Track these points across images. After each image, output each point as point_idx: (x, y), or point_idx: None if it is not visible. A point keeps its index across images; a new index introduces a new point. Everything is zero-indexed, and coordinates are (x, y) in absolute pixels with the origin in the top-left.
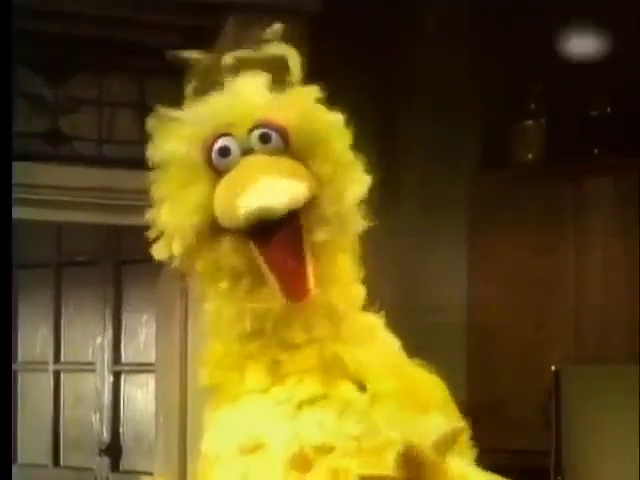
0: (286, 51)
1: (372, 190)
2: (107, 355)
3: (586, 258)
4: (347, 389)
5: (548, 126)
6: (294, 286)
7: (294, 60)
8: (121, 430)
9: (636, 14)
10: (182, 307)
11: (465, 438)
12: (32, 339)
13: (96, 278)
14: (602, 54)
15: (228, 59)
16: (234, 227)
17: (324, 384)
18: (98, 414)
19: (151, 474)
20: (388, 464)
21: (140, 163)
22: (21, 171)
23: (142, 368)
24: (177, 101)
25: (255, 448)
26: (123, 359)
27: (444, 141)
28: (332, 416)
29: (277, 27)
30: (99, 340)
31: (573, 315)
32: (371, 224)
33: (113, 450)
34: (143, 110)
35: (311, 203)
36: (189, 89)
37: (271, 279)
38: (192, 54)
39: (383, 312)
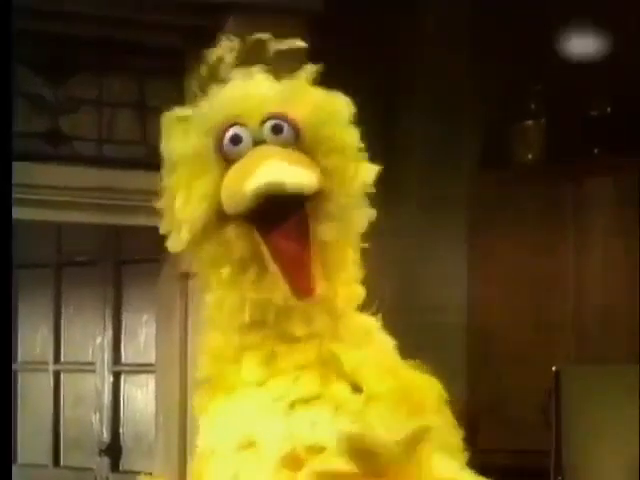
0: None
1: (372, 190)
2: (107, 355)
3: (586, 258)
4: (342, 389)
5: (548, 126)
6: (299, 277)
7: (303, 49)
8: (121, 430)
9: (636, 14)
10: (182, 307)
11: (458, 441)
12: (32, 339)
13: (96, 278)
14: (602, 54)
15: (234, 53)
16: (240, 211)
17: (320, 383)
18: (98, 414)
19: (151, 474)
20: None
21: (140, 163)
22: (21, 171)
23: (142, 368)
24: (177, 101)
25: (248, 445)
26: (123, 359)
27: (444, 141)
28: (326, 416)
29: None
30: (99, 340)
31: (573, 315)
32: (373, 220)
33: (113, 450)
34: (143, 110)
35: (318, 196)
36: (195, 84)
37: (273, 268)
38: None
39: (380, 314)
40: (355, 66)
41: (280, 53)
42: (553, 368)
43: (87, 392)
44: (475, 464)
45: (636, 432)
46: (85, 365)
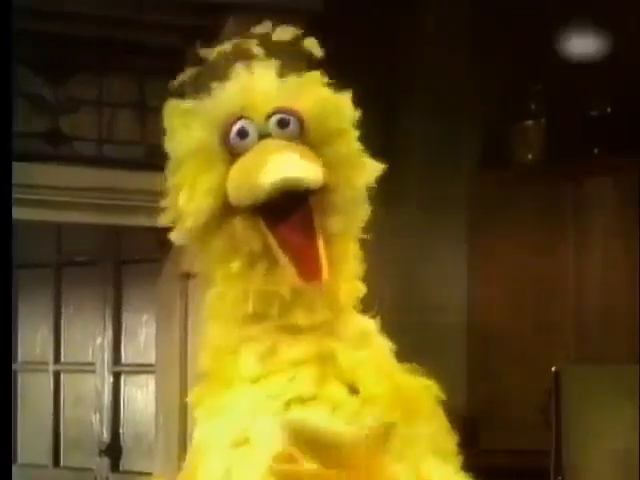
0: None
1: (372, 190)
2: (107, 355)
3: (586, 258)
4: (339, 390)
5: (548, 126)
6: (307, 263)
7: (311, 42)
8: (121, 430)
9: (636, 14)
10: (182, 307)
11: (452, 446)
12: (32, 339)
13: (96, 278)
14: (602, 54)
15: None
16: (249, 203)
17: (317, 382)
18: (98, 414)
19: (151, 474)
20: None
21: (140, 163)
22: (21, 171)
23: (142, 368)
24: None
25: (242, 442)
26: (123, 359)
27: (444, 141)
28: (321, 416)
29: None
30: (99, 340)
31: (573, 315)
32: (373, 220)
33: (113, 450)
34: (143, 110)
35: (322, 190)
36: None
37: (282, 258)
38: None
39: (379, 316)
40: (355, 66)
41: (283, 48)
42: (553, 368)
43: (87, 392)
44: (475, 464)
45: (636, 432)
46: (85, 365)
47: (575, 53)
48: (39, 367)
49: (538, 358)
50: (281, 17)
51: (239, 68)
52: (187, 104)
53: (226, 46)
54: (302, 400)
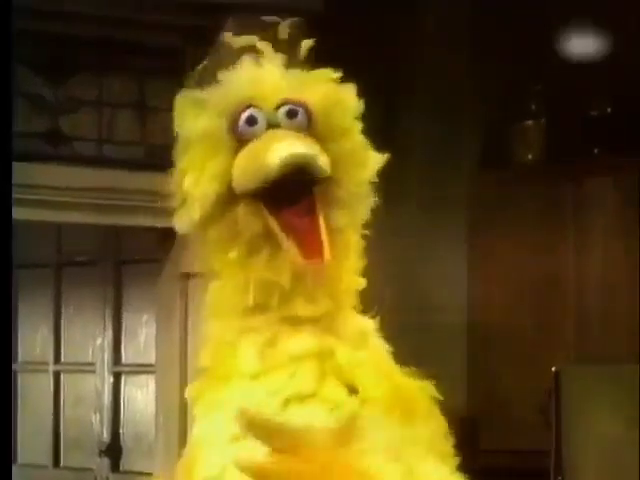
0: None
1: (372, 190)
2: (107, 356)
3: (586, 258)
4: (337, 390)
5: (548, 126)
6: (309, 242)
7: (306, 42)
8: (121, 431)
9: (636, 14)
10: (182, 307)
11: (449, 448)
12: (32, 339)
13: (96, 278)
14: (602, 54)
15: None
16: (256, 185)
17: (316, 380)
18: (98, 415)
19: (151, 474)
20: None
21: (140, 163)
22: (21, 171)
23: (142, 369)
24: None
25: (240, 438)
26: (123, 360)
27: (444, 141)
28: (319, 415)
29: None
30: (99, 340)
31: (573, 315)
32: (373, 220)
33: (113, 450)
34: (143, 110)
35: (327, 182)
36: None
37: (285, 241)
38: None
39: (378, 317)
40: (355, 66)
41: (287, 43)
42: (553, 368)
43: (87, 392)
44: (475, 464)
45: (636, 432)
46: (85, 365)
47: (575, 53)
48: (39, 367)
49: (538, 358)
50: (281, 17)
51: (247, 60)
52: (198, 94)
53: (243, 39)
54: (301, 397)
